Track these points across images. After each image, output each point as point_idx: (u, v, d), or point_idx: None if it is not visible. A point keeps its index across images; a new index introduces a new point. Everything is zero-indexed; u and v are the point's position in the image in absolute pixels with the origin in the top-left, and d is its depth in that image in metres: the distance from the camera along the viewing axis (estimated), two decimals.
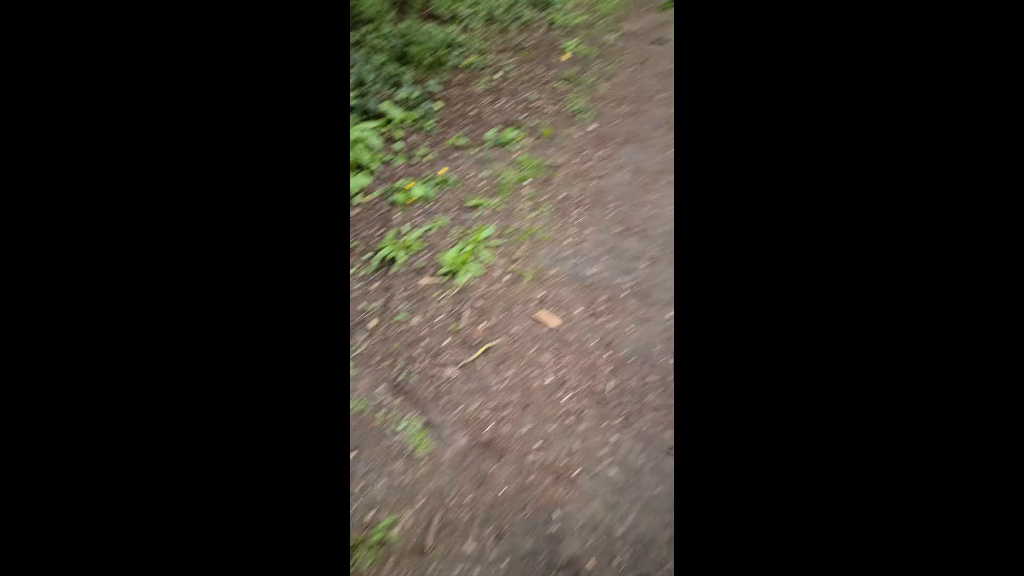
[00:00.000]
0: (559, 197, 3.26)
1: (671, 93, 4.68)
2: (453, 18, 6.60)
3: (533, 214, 3.09)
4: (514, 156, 3.66)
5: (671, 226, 2.99)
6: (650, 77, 5.03)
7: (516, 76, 5.05)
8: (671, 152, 3.77)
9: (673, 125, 4.15)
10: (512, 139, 3.80)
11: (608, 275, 2.65)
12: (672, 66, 5.26)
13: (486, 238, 2.86)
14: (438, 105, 4.23)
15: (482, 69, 5.12)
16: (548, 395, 2.04)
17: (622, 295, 2.52)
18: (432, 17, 6.43)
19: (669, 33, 6.14)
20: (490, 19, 6.74)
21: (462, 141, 3.73)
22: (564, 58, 5.66)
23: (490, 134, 3.85)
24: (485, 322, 2.38)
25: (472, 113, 4.23)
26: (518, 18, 7.01)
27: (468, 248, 2.75)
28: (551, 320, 2.38)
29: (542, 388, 2.07)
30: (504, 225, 2.99)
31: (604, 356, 2.21)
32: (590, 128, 4.19)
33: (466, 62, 5.18)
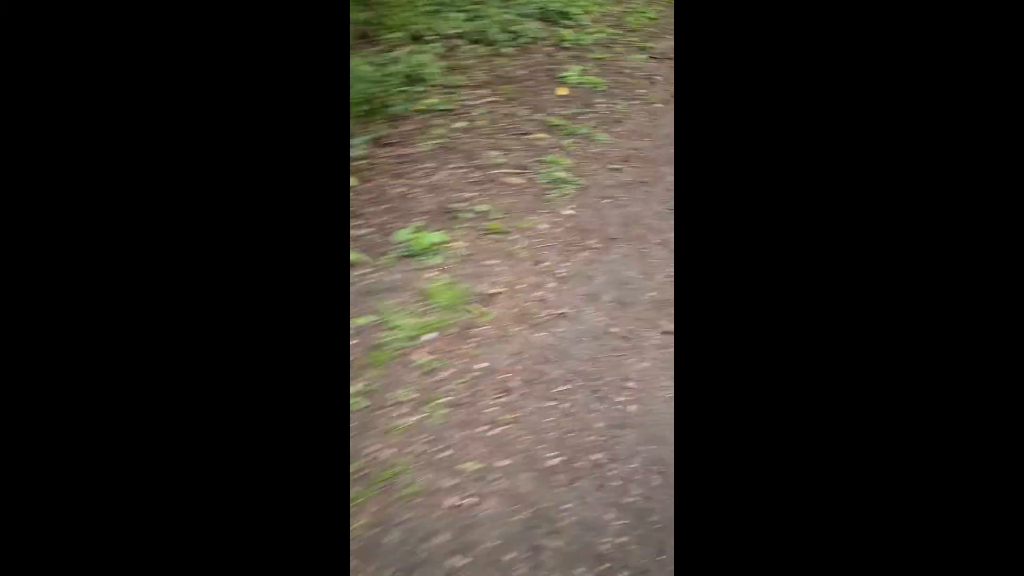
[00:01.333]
0: (472, 372, 1.91)
1: None
2: (436, 38, 5.31)
3: (412, 419, 1.75)
4: (427, 278, 2.33)
5: (664, 451, 1.59)
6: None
7: (485, 123, 3.72)
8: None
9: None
10: (433, 245, 2.48)
11: None
12: None
13: None
14: (353, 182, 2.95)
15: (442, 114, 3.82)
16: None
17: None
18: (415, 39, 5.12)
19: None
20: (480, 40, 5.41)
21: (355, 255, 2.42)
22: (560, 93, 4.29)
23: (403, 234, 2.54)
24: None
25: (396, 192, 2.93)
26: (519, 36, 5.65)
27: None
28: None
29: None
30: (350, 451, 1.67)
31: None
32: (565, 213, 2.81)
33: (421, 105, 3.89)
